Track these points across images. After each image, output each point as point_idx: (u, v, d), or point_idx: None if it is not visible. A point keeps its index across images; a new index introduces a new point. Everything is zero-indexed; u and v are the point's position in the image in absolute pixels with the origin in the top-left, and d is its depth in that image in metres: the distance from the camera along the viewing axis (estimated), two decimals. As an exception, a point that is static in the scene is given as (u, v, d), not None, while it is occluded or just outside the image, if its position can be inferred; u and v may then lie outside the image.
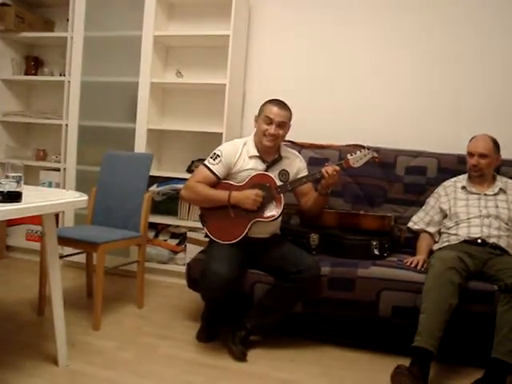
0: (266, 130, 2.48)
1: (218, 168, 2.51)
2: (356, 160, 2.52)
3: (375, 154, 2.55)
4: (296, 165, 2.65)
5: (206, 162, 2.54)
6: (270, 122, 2.47)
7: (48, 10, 3.98)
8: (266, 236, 2.57)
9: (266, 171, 2.52)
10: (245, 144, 2.57)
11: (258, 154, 2.55)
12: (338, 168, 2.46)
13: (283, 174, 2.58)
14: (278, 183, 2.49)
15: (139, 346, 2.44)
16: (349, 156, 2.53)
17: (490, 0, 3.11)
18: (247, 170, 2.52)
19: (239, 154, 2.53)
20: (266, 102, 2.54)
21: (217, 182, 2.52)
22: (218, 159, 2.51)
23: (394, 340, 2.47)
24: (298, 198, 2.68)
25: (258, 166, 2.54)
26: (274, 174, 2.51)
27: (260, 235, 2.54)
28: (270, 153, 2.57)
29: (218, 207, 2.50)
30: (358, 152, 2.53)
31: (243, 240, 2.47)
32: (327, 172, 2.45)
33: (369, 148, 2.56)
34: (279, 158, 2.59)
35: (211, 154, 2.55)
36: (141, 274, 2.93)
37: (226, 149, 2.55)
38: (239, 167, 2.52)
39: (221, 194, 2.48)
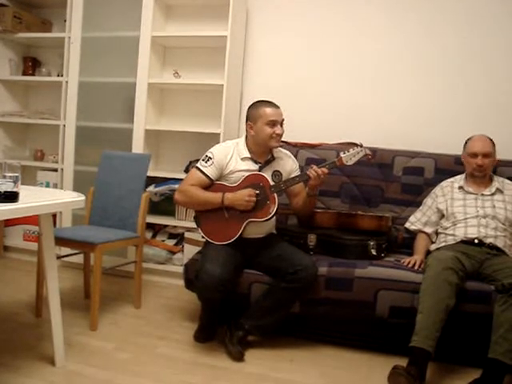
0: (273, 132, 2.47)
1: (210, 170, 2.50)
2: (349, 158, 2.52)
3: (368, 152, 2.54)
4: (289, 165, 2.65)
5: (198, 165, 2.54)
6: (273, 123, 2.48)
7: (46, 10, 3.98)
8: (261, 236, 2.57)
9: (259, 171, 2.52)
10: (236, 145, 2.57)
11: (249, 156, 2.54)
12: (325, 170, 2.46)
13: (276, 174, 2.58)
14: (271, 183, 2.49)
15: (137, 347, 2.44)
16: (342, 154, 2.52)
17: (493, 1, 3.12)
18: (240, 171, 2.51)
19: (231, 154, 2.53)
20: (259, 107, 2.51)
21: (210, 184, 2.52)
22: (210, 161, 2.51)
23: (392, 340, 2.47)
24: (290, 199, 2.68)
25: (251, 166, 2.53)
26: (267, 175, 2.51)
27: (255, 235, 2.54)
28: (262, 154, 2.57)
29: (212, 208, 2.50)
30: (351, 150, 2.52)
31: (238, 240, 2.47)
32: (312, 174, 2.45)
33: (362, 145, 2.55)
34: (272, 159, 2.59)
35: (203, 157, 2.54)
36: (138, 275, 2.92)
37: (217, 150, 2.55)
38: (232, 168, 2.52)
39: (214, 197, 2.47)
